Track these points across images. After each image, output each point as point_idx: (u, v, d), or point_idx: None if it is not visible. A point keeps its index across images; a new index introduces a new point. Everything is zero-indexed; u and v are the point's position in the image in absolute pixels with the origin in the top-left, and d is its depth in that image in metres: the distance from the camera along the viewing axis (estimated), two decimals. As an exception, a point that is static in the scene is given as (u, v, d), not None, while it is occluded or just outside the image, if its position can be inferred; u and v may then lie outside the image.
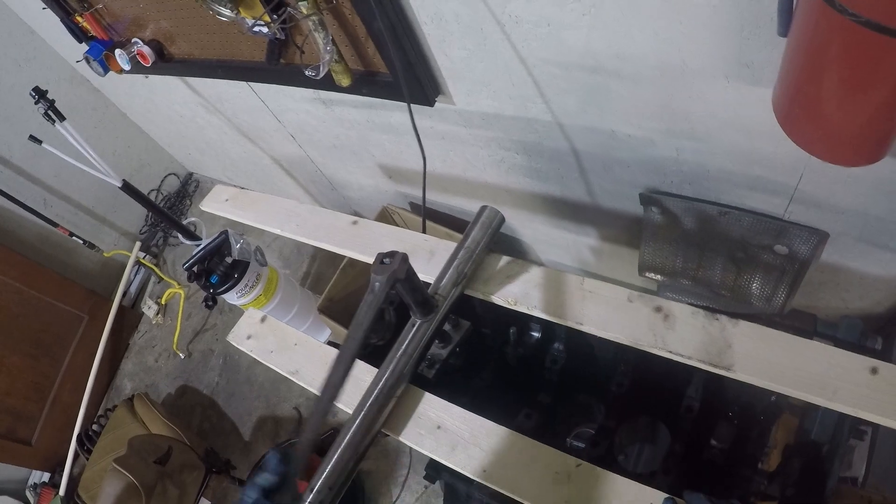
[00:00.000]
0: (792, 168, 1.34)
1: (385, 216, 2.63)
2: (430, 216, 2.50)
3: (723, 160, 1.43)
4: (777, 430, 1.44)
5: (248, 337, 1.43)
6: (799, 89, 0.91)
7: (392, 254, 1.01)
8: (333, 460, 1.05)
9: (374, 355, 1.19)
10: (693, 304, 1.85)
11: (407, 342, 1.12)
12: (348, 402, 1.14)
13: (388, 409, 1.10)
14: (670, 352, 1.02)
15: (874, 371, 0.92)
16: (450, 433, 1.07)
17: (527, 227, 2.31)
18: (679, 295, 1.91)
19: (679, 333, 1.04)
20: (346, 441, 1.06)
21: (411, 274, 1.03)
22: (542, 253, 2.50)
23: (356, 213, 3.15)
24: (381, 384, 1.09)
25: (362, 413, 1.08)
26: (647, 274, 1.91)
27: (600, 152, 1.61)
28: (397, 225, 2.69)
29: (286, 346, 1.34)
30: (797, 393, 0.94)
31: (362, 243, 1.37)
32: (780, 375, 0.96)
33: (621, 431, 1.23)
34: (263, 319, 1.44)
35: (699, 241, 1.71)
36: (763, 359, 0.98)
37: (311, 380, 1.25)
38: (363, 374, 1.17)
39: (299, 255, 3.53)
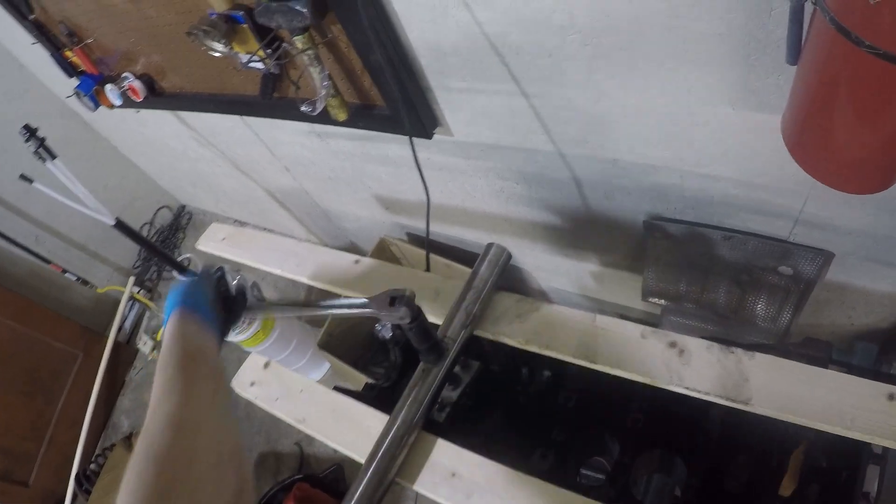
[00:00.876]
0: (797, 192, 1.33)
1: (383, 247, 2.60)
2: (423, 244, 2.48)
3: (726, 185, 1.41)
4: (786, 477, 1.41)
5: (252, 384, 1.40)
6: (810, 118, 0.89)
7: (403, 299, 0.98)
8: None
9: (380, 398, 1.16)
10: (698, 327, 1.85)
11: (417, 388, 1.10)
12: (360, 450, 1.11)
13: (401, 457, 1.07)
14: (687, 388, 1.00)
15: (891, 397, 0.92)
16: (465, 480, 1.04)
17: (528, 255, 2.29)
18: (683, 318, 1.89)
19: (694, 368, 1.02)
20: (359, 492, 1.03)
21: (422, 320, 1.01)
22: (543, 281, 2.49)
23: (353, 244, 3.18)
24: (392, 432, 1.07)
25: (375, 462, 1.05)
26: (650, 299, 1.89)
27: (602, 180, 1.60)
28: (395, 256, 2.66)
29: (292, 392, 1.31)
30: (815, 423, 0.93)
31: (365, 285, 1.34)
32: (797, 407, 0.94)
33: (637, 466, 1.20)
34: (267, 365, 1.41)
35: (703, 266, 1.70)
36: (780, 391, 0.96)
37: (320, 428, 1.22)
38: (374, 422, 1.14)
39: (295, 287, 3.47)
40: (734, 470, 1.23)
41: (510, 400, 1.34)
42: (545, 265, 2.31)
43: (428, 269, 1.37)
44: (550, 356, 1.11)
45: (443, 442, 1.10)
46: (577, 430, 1.29)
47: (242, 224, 3.76)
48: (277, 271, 1.52)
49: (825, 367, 1.15)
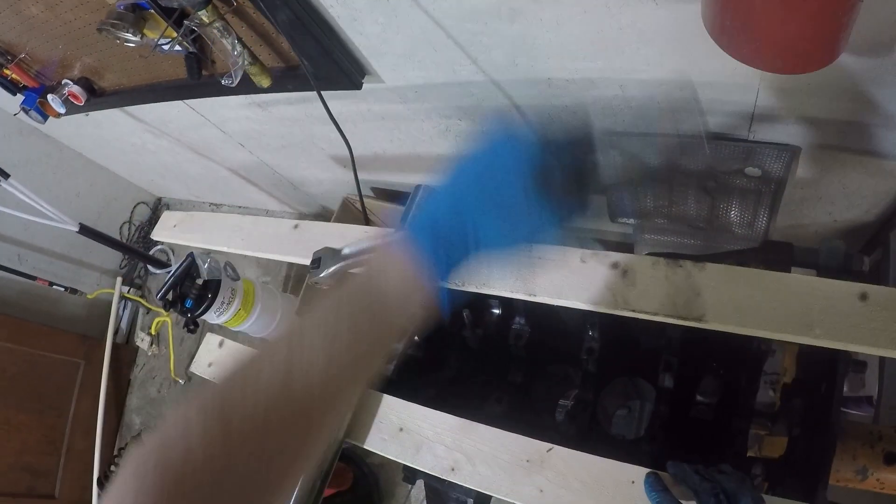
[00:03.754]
0: (745, 85, 1.26)
1: (347, 207, 2.54)
2: (390, 198, 2.44)
3: (670, 89, 1.34)
4: (784, 358, 1.35)
5: (210, 364, 1.38)
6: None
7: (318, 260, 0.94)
8: (299, 483, 0.98)
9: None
10: (674, 241, 1.79)
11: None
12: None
13: (346, 417, 1.03)
14: (633, 311, 0.94)
15: (863, 297, 0.83)
16: (413, 434, 1.01)
17: (492, 192, 2.22)
18: (657, 235, 1.83)
19: (640, 289, 0.96)
20: (307, 461, 0.99)
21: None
22: (515, 217, 2.41)
23: (324, 208, 3.14)
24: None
25: (321, 428, 1.01)
26: (619, 220, 1.83)
27: (543, 103, 1.52)
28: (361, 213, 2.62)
29: (244, 368, 1.28)
30: (778, 335, 0.85)
31: (304, 247, 1.29)
32: (756, 318, 0.87)
33: (602, 399, 1.15)
34: (221, 344, 1.39)
35: (666, 177, 1.63)
36: (736, 302, 0.89)
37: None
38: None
39: (277, 262, 3.45)
40: (702, 394, 1.17)
41: (461, 347, 1.30)
42: (511, 200, 2.24)
43: (367, 223, 1.32)
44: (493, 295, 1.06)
45: (388, 398, 1.06)
46: (535, 369, 1.25)
47: (217, 206, 3.71)
48: (225, 248, 1.49)
49: (787, 270, 1.08)
